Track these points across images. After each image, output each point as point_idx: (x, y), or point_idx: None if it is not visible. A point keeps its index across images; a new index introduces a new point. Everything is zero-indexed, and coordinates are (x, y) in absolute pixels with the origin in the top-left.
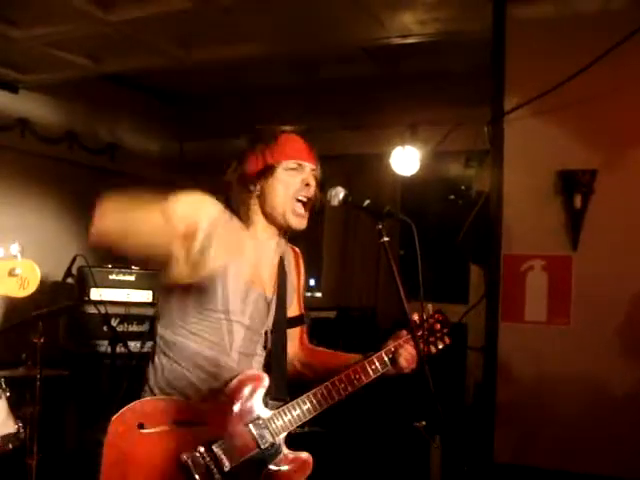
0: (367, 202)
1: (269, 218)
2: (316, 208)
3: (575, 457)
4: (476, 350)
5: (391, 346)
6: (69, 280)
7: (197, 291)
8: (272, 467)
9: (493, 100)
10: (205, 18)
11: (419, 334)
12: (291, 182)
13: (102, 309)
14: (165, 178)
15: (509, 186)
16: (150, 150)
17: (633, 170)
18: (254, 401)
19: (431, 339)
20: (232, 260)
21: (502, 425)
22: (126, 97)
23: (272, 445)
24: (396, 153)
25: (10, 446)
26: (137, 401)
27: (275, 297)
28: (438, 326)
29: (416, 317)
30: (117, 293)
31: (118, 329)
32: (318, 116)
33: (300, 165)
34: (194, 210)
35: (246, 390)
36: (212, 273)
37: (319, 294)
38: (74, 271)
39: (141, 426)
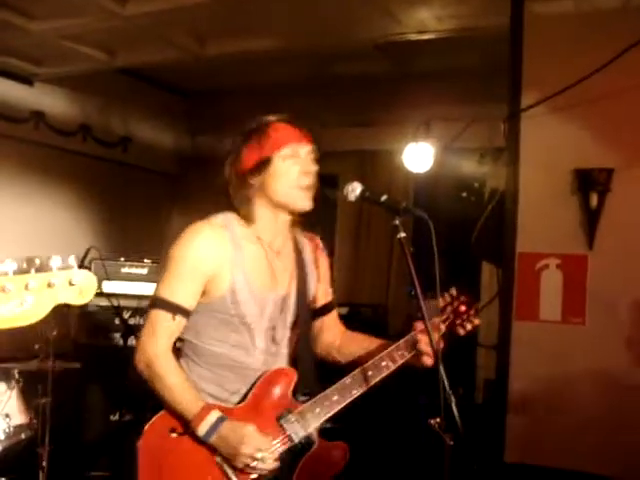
0: (384, 197)
1: (274, 209)
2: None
3: (587, 458)
4: (487, 348)
5: (414, 333)
6: None
7: (214, 307)
8: (308, 459)
9: (510, 97)
10: (220, 12)
11: (444, 318)
12: (291, 171)
13: (114, 302)
14: (178, 171)
15: (525, 184)
16: (163, 143)
17: None
18: (284, 396)
19: (457, 322)
20: (236, 276)
21: (513, 424)
22: (140, 91)
23: (305, 438)
24: (409, 149)
25: (23, 436)
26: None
27: (294, 292)
28: (463, 308)
29: (440, 302)
30: (129, 286)
31: (130, 322)
32: (331, 112)
33: (295, 150)
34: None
35: (275, 386)
36: (220, 295)
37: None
38: (87, 263)
39: (173, 431)
